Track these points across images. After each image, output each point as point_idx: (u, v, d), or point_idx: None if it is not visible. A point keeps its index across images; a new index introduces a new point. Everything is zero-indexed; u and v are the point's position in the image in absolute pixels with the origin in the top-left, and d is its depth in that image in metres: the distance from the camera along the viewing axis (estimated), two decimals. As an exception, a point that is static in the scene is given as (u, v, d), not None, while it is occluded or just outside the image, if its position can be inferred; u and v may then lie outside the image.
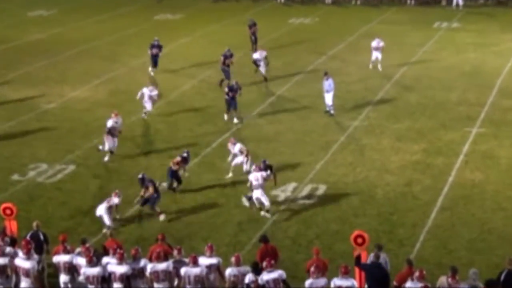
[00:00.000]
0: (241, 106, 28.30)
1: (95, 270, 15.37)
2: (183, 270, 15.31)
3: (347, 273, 14.89)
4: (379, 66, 33.73)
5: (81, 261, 15.76)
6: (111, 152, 24.54)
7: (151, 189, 20.56)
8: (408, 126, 27.20)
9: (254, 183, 20.51)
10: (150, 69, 34.11)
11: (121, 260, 15.40)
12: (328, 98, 28.43)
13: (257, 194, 20.50)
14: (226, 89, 28.06)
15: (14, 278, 15.98)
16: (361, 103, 29.74)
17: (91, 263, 15.42)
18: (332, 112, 28.42)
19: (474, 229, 19.78)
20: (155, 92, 28.31)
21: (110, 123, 24.66)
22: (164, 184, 22.12)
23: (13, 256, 15.98)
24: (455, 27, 42.55)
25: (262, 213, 20.59)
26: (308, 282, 14.86)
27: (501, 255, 17.93)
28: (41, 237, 17.13)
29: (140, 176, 21.18)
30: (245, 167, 23.00)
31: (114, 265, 15.45)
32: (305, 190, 22.30)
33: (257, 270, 15.31)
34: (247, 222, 20.42)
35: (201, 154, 24.97)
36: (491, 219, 20.32)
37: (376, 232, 19.41)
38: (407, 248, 18.85)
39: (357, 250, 15.87)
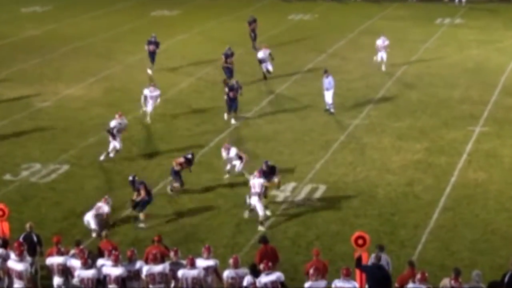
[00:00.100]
0: (240, 105, 27.95)
1: (90, 273, 15.18)
2: (180, 272, 15.15)
3: (348, 275, 14.80)
4: (383, 67, 33.16)
5: (75, 263, 15.59)
6: (117, 151, 24.14)
7: (142, 193, 20.09)
8: (410, 125, 26.89)
9: (252, 190, 20.07)
10: (149, 68, 33.58)
11: (116, 262, 15.23)
12: (328, 96, 28.17)
13: (253, 201, 20.04)
14: (226, 89, 27.69)
15: (6, 281, 15.79)
16: (361, 101, 29.44)
17: (85, 265, 15.24)
18: (332, 110, 28.12)
19: (477, 230, 19.52)
20: (156, 93, 27.89)
21: (113, 123, 24.30)
22: (176, 185, 21.69)
23: (5, 258, 15.80)
24: (457, 23, 42.24)
25: (258, 225, 19.95)
26: (307, 285, 14.71)
27: (504, 256, 17.74)
28: (34, 238, 16.94)
29: (130, 178, 20.69)
30: (238, 167, 22.56)
31: (109, 267, 15.28)
32: (305, 190, 22.01)
33: (255, 272, 15.20)
34: (245, 224, 20.12)
35: (198, 153, 24.61)
36: (495, 220, 20.07)
37: (377, 233, 19.16)
38: (408, 249, 18.60)
39: (358, 251, 15.72)
